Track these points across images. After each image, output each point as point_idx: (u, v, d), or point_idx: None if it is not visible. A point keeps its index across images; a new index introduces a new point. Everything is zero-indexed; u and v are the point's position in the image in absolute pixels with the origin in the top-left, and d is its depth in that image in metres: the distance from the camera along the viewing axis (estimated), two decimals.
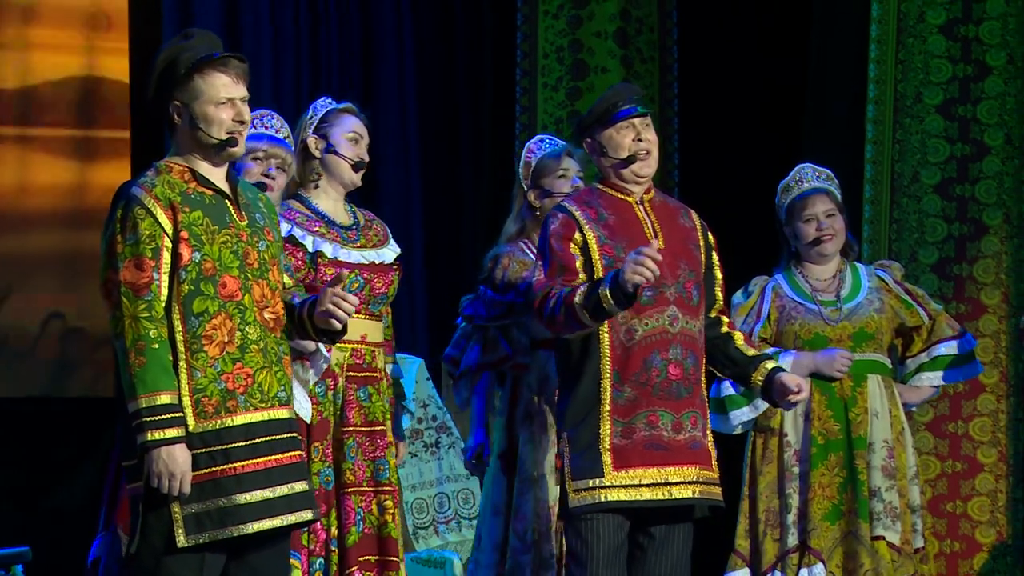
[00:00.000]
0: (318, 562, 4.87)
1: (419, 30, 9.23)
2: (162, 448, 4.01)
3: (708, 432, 4.79)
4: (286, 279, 4.31)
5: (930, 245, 8.19)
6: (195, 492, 4.04)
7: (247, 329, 4.12)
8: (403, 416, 5.23)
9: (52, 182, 8.99)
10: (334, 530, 4.88)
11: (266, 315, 4.16)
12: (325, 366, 4.70)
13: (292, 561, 4.75)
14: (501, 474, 5.32)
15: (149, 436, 4.02)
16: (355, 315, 4.45)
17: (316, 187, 5.05)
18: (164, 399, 4.03)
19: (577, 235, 4.71)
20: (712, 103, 9.12)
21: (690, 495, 4.70)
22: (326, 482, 4.87)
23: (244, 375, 4.11)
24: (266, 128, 4.98)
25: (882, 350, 5.62)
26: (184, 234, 4.09)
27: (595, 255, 4.72)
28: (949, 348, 5.66)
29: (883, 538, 5.46)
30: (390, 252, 5.06)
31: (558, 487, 4.93)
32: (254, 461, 4.09)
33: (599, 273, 4.68)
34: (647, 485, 4.66)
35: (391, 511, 4.93)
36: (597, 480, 4.65)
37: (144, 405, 4.03)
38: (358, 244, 5.01)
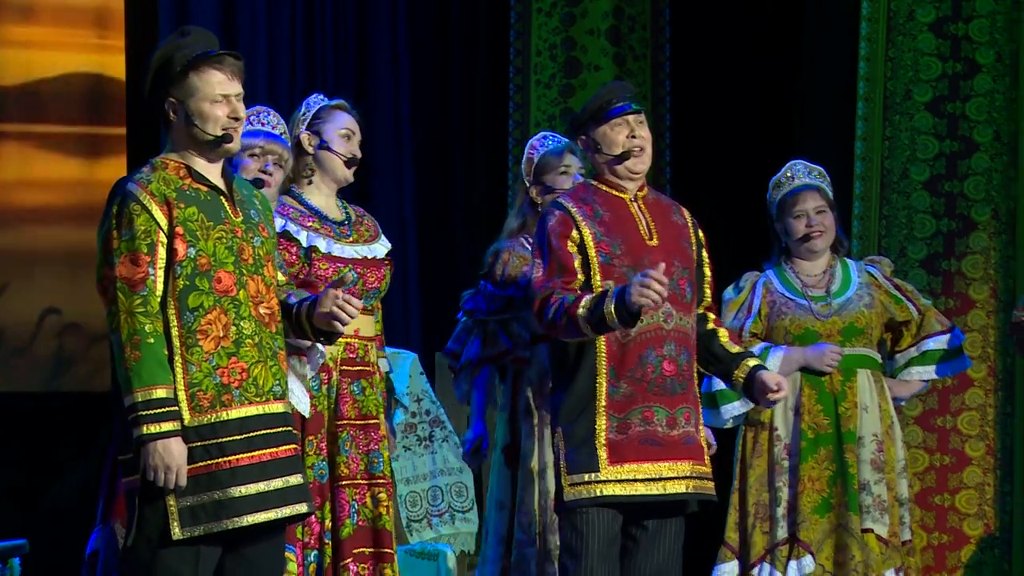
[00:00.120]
0: (312, 555, 4.87)
1: (413, 28, 9.23)
2: (158, 442, 4.01)
3: (700, 427, 4.79)
4: (280, 276, 4.30)
5: (919, 241, 8.19)
6: (190, 485, 4.04)
7: (242, 324, 4.12)
8: (396, 410, 5.22)
9: (49, 178, 8.99)
10: (328, 523, 4.88)
11: (261, 310, 4.15)
12: (321, 361, 4.70)
13: (287, 554, 4.73)
14: (505, 468, 5.33)
15: (145, 430, 4.02)
16: None
17: (309, 183, 5.05)
18: (160, 393, 4.03)
19: (574, 233, 4.71)
20: (704, 100, 9.11)
21: (683, 490, 4.71)
22: (320, 475, 4.87)
23: (239, 369, 4.11)
24: (262, 124, 4.97)
25: (872, 345, 5.61)
26: (179, 230, 4.09)
27: (591, 252, 4.71)
28: (938, 343, 5.66)
29: (872, 531, 5.46)
30: (382, 247, 5.07)
31: None
32: (249, 455, 4.09)
33: (595, 270, 4.68)
34: (641, 480, 4.67)
35: (385, 503, 4.93)
36: (592, 474, 4.66)
37: (140, 399, 4.02)
38: (351, 239, 5.01)
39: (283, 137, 5.02)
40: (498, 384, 5.47)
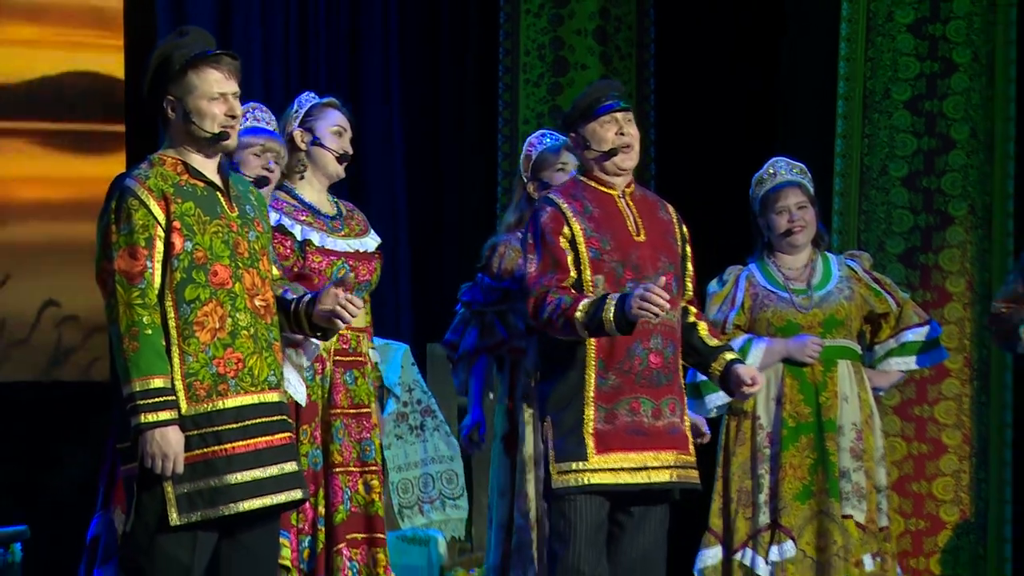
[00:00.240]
0: (307, 540, 4.87)
1: (404, 28, 9.23)
2: (155, 430, 4.01)
3: (686, 417, 4.79)
4: (274, 270, 4.29)
5: (897, 235, 8.19)
6: (187, 472, 4.04)
7: (238, 316, 4.12)
8: (388, 400, 5.22)
9: (49, 174, 8.99)
10: (322, 509, 4.88)
11: (256, 302, 4.15)
12: (317, 352, 4.71)
13: (282, 540, 4.73)
14: (504, 456, 5.34)
15: (143, 418, 4.02)
16: None
17: (301, 178, 5.05)
18: (157, 383, 4.03)
19: (566, 229, 4.71)
20: (688, 99, 9.12)
21: (667, 479, 4.71)
22: (314, 463, 4.87)
23: (235, 360, 4.11)
24: (257, 120, 4.97)
25: (851, 336, 5.62)
26: (176, 224, 4.08)
27: (582, 248, 4.71)
28: (916, 335, 5.67)
29: (851, 517, 5.46)
30: (372, 241, 5.07)
31: None
32: (245, 443, 4.08)
33: (586, 265, 4.68)
34: (627, 469, 4.67)
35: (377, 490, 4.93)
36: (580, 463, 4.66)
37: (138, 388, 4.02)
38: (342, 233, 5.02)
39: (279, 134, 5.03)
40: (496, 374, 5.48)
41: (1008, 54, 8.18)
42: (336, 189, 5.20)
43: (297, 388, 4.64)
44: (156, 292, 4.07)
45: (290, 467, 4.14)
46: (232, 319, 4.11)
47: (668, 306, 4.50)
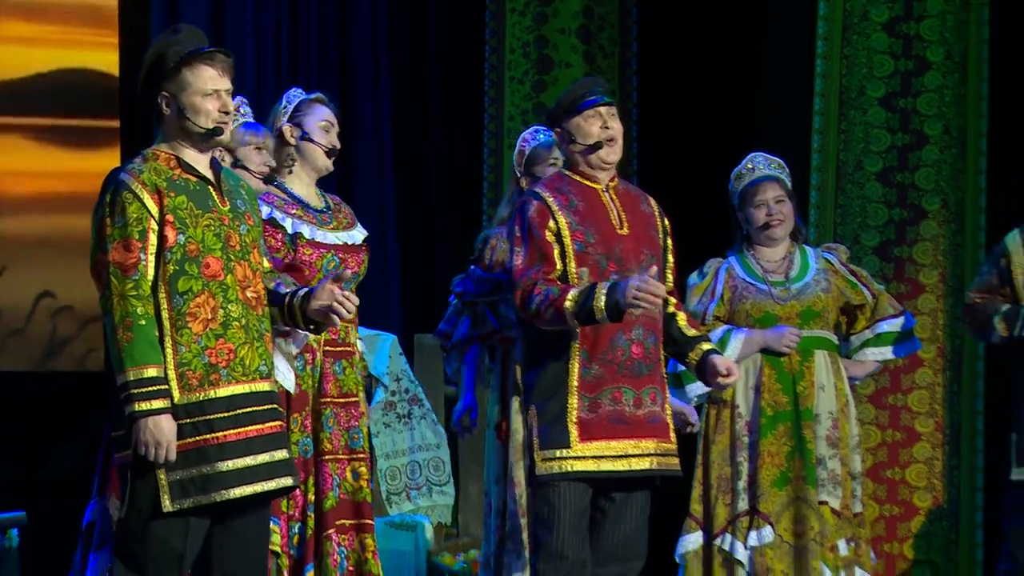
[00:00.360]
0: (296, 527, 4.86)
1: (393, 26, 9.23)
2: (149, 418, 4.00)
3: (667, 406, 4.79)
4: (265, 262, 4.28)
5: (872, 229, 8.19)
6: (180, 460, 4.03)
7: (229, 307, 4.11)
8: (377, 389, 5.21)
9: (45, 169, 8.99)
10: (311, 496, 4.88)
11: (248, 294, 4.14)
12: (306, 340, 4.70)
13: (272, 527, 4.73)
14: (497, 444, 5.34)
15: (136, 407, 4.01)
16: None
17: (290, 173, 5.05)
18: (151, 372, 4.02)
19: (551, 222, 4.70)
20: (670, 96, 9.11)
21: (648, 466, 4.70)
22: (304, 451, 4.87)
23: (227, 350, 4.10)
24: (242, 115, 4.95)
25: (828, 327, 5.61)
26: (169, 217, 4.07)
27: (567, 240, 4.71)
28: (891, 325, 5.67)
29: (827, 503, 5.46)
30: (359, 233, 5.07)
31: None
32: (236, 431, 4.08)
33: (571, 257, 4.68)
34: (609, 457, 4.67)
35: (365, 477, 4.93)
36: (564, 450, 4.66)
37: (132, 378, 4.01)
38: (331, 226, 5.01)
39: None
40: (488, 363, 5.48)
41: (980, 52, 8.19)
42: (326, 182, 5.19)
43: (286, 375, 4.64)
44: (150, 284, 4.06)
45: (280, 455, 4.14)
46: (224, 310, 4.10)
47: (664, 296, 4.51)
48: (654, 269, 4.53)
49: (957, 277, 8.16)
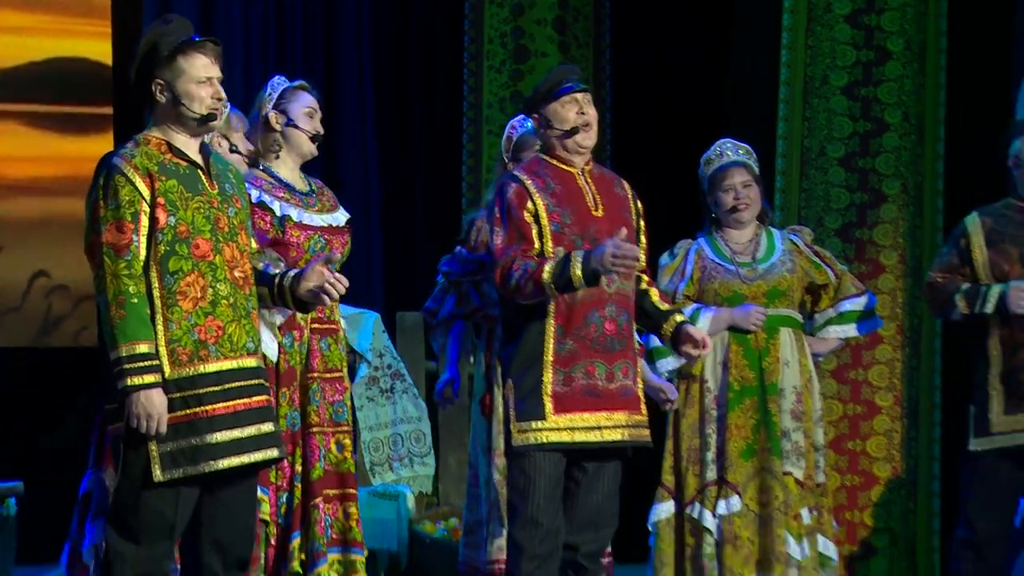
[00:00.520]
0: (284, 496, 4.86)
1: (376, 18, 9.21)
2: (140, 392, 3.99)
3: (638, 380, 4.79)
4: (252, 243, 4.27)
5: (835, 212, 8.20)
6: (170, 432, 4.02)
7: (218, 286, 4.10)
8: (361, 365, 5.21)
9: (40, 153, 8.97)
10: (299, 467, 4.87)
11: (236, 274, 4.13)
12: (289, 312, 4.69)
13: (261, 496, 4.74)
14: (482, 417, 5.34)
15: (129, 381, 3.99)
16: None
17: (277, 158, 5.03)
18: (142, 348, 4.01)
19: (529, 204, 4.70)
20: (642, 84, 9.11)
21: (619, 438, 4.70)
22: (292, 424, 4.86)
23: (215, 327, 4.08)
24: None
25: (793, 306, 5.61)
26: (161, 200, 4.06)
27: (544, 221, 4.70)
28: (853, 304, 5.67)
29: (791, 473, 5.47)
30: (342, 216, 5.07)
31: None
32: (224, 404, 4.07)
33: (548, 238, 4.67)
34: (582, 428, 4.66)
35: (348, 449, 4.93)
36: (539, 422, 4.65)
37: (124, 353, 4.00)
38: (316, 208, 5.01)
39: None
40: (475, 340, 5.48)
41: (939, 43, 8.20)
42: (312, 165, 5.18)
43: (268, 344, 4.65)
44: (141, 263, 4.05)
45: (267, 427, 4.13)
46: (213, 289, 4.09)
47: (639, 256, 4.50)
48: (624, 232, 4.53)
49: (916, 258, 8.17)
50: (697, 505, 5.45)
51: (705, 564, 5.42)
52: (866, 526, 8.11)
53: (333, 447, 4.91)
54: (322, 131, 5.07)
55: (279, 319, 4.70)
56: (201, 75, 4.11)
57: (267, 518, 4.80)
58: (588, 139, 4.75)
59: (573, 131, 4.73)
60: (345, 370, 5.01)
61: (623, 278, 4.67)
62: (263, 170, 5.01)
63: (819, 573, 5.48)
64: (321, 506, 4.85)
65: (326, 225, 4.99)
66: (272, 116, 5.01)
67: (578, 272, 4.52)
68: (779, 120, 8.23)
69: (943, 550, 7.92)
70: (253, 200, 4.81)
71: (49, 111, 8.98)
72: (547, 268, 4.57)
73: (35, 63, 8.94)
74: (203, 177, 4.13)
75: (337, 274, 4.20)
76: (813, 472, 5.52)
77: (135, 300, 4.01)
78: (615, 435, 4.70)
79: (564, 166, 4.78)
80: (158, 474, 4.01)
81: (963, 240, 5.38)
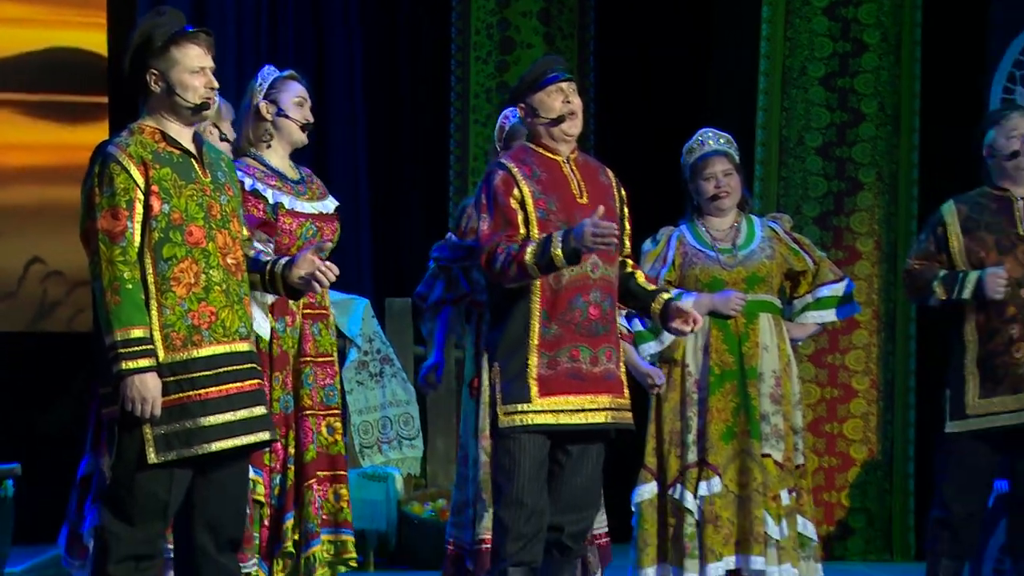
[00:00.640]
0: (278, 478, 4.85)
1: (365, 11, 9.20)
2: (135, 376, 3.97)
3: (621, 364, 4.78)
4: (244, 231, 4.26)
5: (813, 200, 8.20)
6: (164, 415, 4.00)
7: (211, 272, 4.08)
8: (350, 349, 5.19)
9: (36, 142, 8.95)
10: (292, 449, 4.87)
11: (228, 260, 4.11)
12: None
13: (256, 478, 4.73)
14: (471, 400, 5.33)
15: (123, 365, 3.98)
16: None
17: (268, 147, 5.01)
18: (137, 333, 3.99)
19: (516, 191, 4.68)
20: (625, 75, 9.09)
21: (603, 420, 4.69)
22: (285, 407, 4.85)
23: (208, 313, 4.07)
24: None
25: (772, 292, 5.60)
26: (155, 188, 4.04)
27: (530, 208, 4.68)
28: (831, 290, 5.66)
29: (770, 455, 5.47)
30: (331, 203, 5.05)
31: None
32: (217, 388, 4.05)
33: (533, 224, 4.66)
34: (567, 411, 4.65)
35: (339, 431, 4.92)
36: (524, 405, 4.64)
37: (119, 338, 3.98)
38: (306, 196, 5.00)
39: None
40: (465, 325, 5.47)
41: (914, 35, 8.20)
42: (303, 154, 5.16)
43: (260, 323, 4.64)
44: (136, 250, 4.02)
45: (259, 411, 4.11)
46: (206, 275, 4.07)
47: (617, 232, 4.48)
48: (601, 210, 4.52)
49: (891, 244, 8.18)
50: (679, 486, 5.45)
51: (686, 544, 5.41)
52: (843, 507, 8.12)
53: (324, 430, 4.90)
54: (312, 120, 5.05)
55: (270, 299, 4.69)
56: (194, 65, 4.09)
57: (261, 499, 4.79)
58: (574, 127, 4.74)
59: (559, 119, 4.71)
60: (335, 355, 5.00)
61: (604, 257, 4.66)
62: (254, 158, 4.99)
63: (799, 553, 5.48)
64: (315, 487, 4.84)
65: (316, 212, 4.98)
66: (263, 106, 4.99)
67: (558, 252, 4.51)
68: (759, 110, 8.23)
69: (918, 529, 7.94)
70: (246, 188, 4.81)
71: (45, 100, 8.95)
72: (529, 250, 4.56)
73: (32, 53, 8.91)
74: (196, 165, 4.12)
75: (328, 262, 4.19)
76: (792, 454, 5.52)
77: (130, 286, 3.99)
78: (599, 418, 4.69)
79: (550, 154, 4.76)
80: (152, 456, 3.99)
81: (940, 228, 5.37)
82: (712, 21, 8.89)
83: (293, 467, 4.85)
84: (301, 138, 5.03)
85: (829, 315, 5.68)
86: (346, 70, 9.08)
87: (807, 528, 5.53)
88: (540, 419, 4.64)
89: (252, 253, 4.24)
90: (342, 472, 4.92)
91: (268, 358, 4.79)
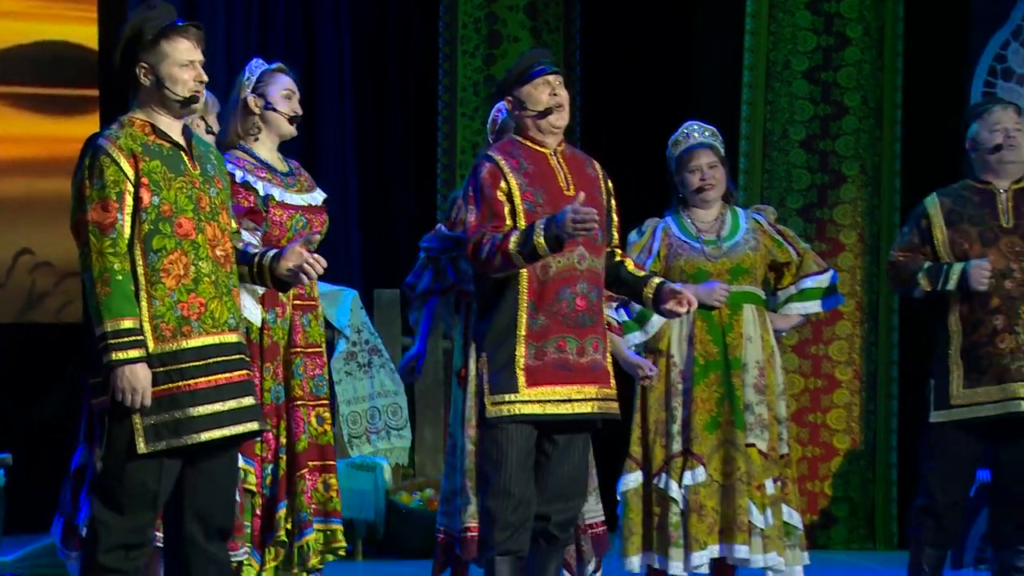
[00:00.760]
0: (270, 468, 4.84)
1: (355, 6, 9.19)
2: (125, 366, 3.96)
3: (608, 354, 4.77)
4: (232, 223, 4.25)
5: (796, 192, 8.20)
6: (154, 406, 3.99)
7: (200, 264, 4.06)
8: (339, 340, 5.18)
9: (26, 134, 8.94)
10: (283, 439, 4.85)
11: (217, 252, 4.10)
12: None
13: (247, 467, 4.73)
14: (458, 389, 5.32)
15: (114, 356, 3.96)
16: None
17: (256, 140, 4.99)
18: (127, 324, 3.97)
19: (503, 183, 4.66)
20: (611, 69, 9.09)
21: (589, 411, 4.68)
22: (276, 397, 4.84)
23: (198, 304, 4.05)
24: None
25: (756, 283, 5.60)
26: (144, 180, 4.02)
27: (517, 200, 4.67)
28: (814, 282, 5.66)
29: (754, 445, 5.47)
30: (319, 196, 5.04)
31: None
32: (206, 379, 4.03)
33: (520, 216, 4.64)
34: (553, 401, 4.64)
35: (328, 422, 4.92)
36: (512, 395, 4.63)
37: (109, 329, 3.97)
38: (295, 188, 4.98)
39: None
40: (455, 315, 5.46)
41: (896, 29, 8.20)
42: (292, 146, 5.14)
43: (251, 310, 4.63)
44: (126, 242, 4.01)
45: (247, 401, 4.10)
46: (195, 267, 4.06)
47: (597, 218, 4.46)
48: (582, 196, 4.51)
49: (874, 236, 8.18)
50: (664, 476, 5.44)
51: (671, 532, 5.41)
52: (826, 496, 8.13)
53: (313, 420, 4.90)
54: (300, 112, 5.03)
55: (261, 289, 4.68)
56: (184, 59, 4.08)
57: (253, 488, 4.78)
58: (561, 119, 4.73)
59: (546, 112, 4.70)
60: (324, 345, 4.99)
61: (591, 248, 4.64)
62: (243, 151, 4.97)
63: (784, 541, 5.48)
64: (308, 476, 4.84)
65: (306, 204, 4.97)
66: (251, 100, 4.97)
67: (540, 240, 4.50)
68: (743, 103, 8.23)
69: (900, 518, 7.95)
70: (237, 180, 4.80)
71: (36, 93, 8.94)
72: (512, 239, 4.55)
73: (23, 46, 8.89)
74: (185, 158, 4.10)
75: (315, 255, 4.17)
76: (777, 444, 5.52)
77: (120, 277, 3.98)
78: (585, 408, 4.68)
79: (537, 147, 4.75)
80: (142, 446, 3.98)
81: (924, 220, 5.37)
82: (697, 15, 8.88)
83: (285, 457, 4.85)
84: (289, 130, 5.02)
85: (812, 306, 5.68)
86: (335, 64, 9.06)
87: (792, 517, 5.53)
88: (527, 409, 4.63)
89: (240, 245, 4.23)
90: (331, 462, 4.92)
91: (259, 349, 4.78)
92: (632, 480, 5.49)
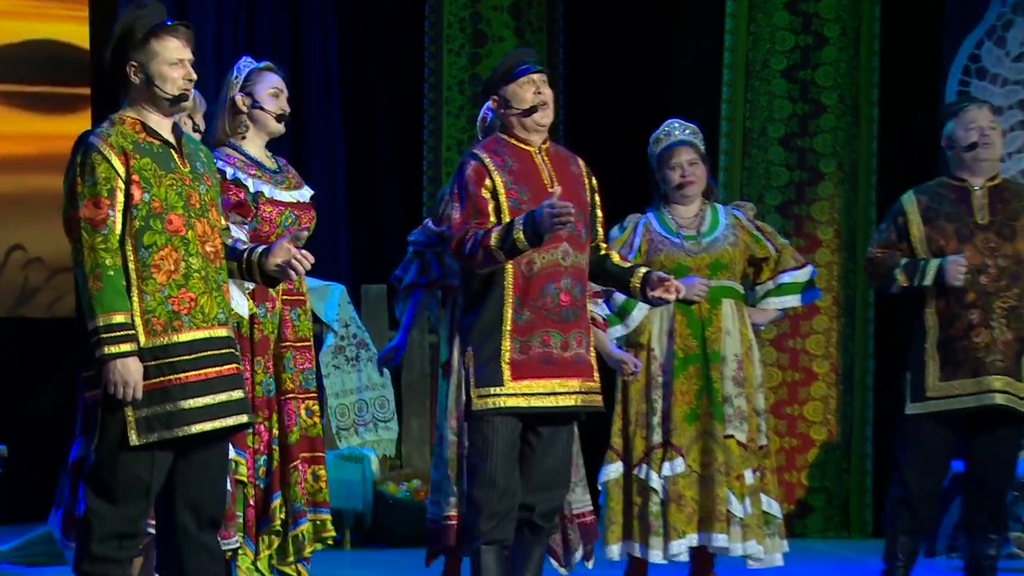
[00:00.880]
0: (262, 460, 4.85)
1: (341, 5, 9.18)
2: (117, 360, 3.95)
3: (591, 348, 4.77)
4: (222, 220, 4.24)
5: (775, 189, 8.21)
6: (146, 399, 3.99)
7: (190, 260, 4.06)
8: (327, 334, 5.18)
9: (18, 131, 8.91)
10: (275, 431, 4.86)
11: (207, 248, 4.10)
12: None
13: (238, 459, 4.74)
14: (443, 380, 5.33)
15: (106, 350, 3.96)
16: None
17: (244, 138, 4.98)
18: (119, 318, 3.97)
19: (488, 181, 4.66)
20: (593, 68, 9.09)
21: (573, 403, 4.68)
22: (267, 391, 4.85)
23: (188, 299, 4.05)
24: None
25: (735, 278, 5.61)
26: (135, 177, 4.02)
27: (502, 198, 4.67)
28: (792, 277, 5.67)
29: (733, 437, 5.48)
30: (307, 192, 5.04)
31: None
32: (197, 372, 4.03)
33: (505, 213, 4.65)
34: (538, 394, 4.65)
35: (316, 414, 4.92)
36: (497, 388, 4.63)
37: (101, 323, 3.96)
38: (284, 185, 4.98)
39: None
40: (441, 308, 5.47)
41: (872, 29, 8.21)
42: (280, 144, 5.14)
43: (239, 302, 4.64)
44: (117, 238, 4.01)
45: (237, 394, 4.10)
46: (185, 263, 4.05)
47: (574, 211, 4.47)
48: (558, 190, 4.52)
49: (851, 233, 8.20)
50: (644, 466, 5.46)
51: (651, 522, 5.42)
52: (803, 486, 8.15)
53: (303, 413, 4.90)
54: (288, 110, 5.03)
55: (250, 284, 4.68)
56: (173, 57, 4.07)
57: (244, 479, 4.79)
58: (545, 117, 4.73)
59: (531, 110, 4.70)
60: (312, 339, 4.99)
61: (575, 245, 4.65)
62: (233, 148, 4.97)
63: (764, 530, 5.49)
64: (300, 468, 4.85)
65: (295, 201, 4.97)
66: (239, 99, 4.96)
67: (520, 235, 4.51)
68: (723, 102, 8.24)
69: (875, 507, 7.98)
70: (228, 177, 4.80)
71: (28, 91, 8.91)
72: (493, 235, 4.56)
73: (14, 45, 8.86)
74: (175, 156, 4.10)
75: (303, 250, 4.18)
76: (756, 435, 5.53)
77: (111, 273, 3.97)
78: (569, 401, 4.68)
79: (522, 145, 4.75)
80: (134, 438, 3.98)
81: (900, 217, 5.38)
82: (677, 15, 8.90)
83: (278, 449, 4.85)
84: (277, 128, 5.01)
85: (790, 301, 5.69)
86: (322, 64, 9.06)
87: (771, 506, 5.54)
88: (512, 402, 4.64)
89: (230, 241, 4.24)
90: (320, 453, 4.93)
91: (249, 343, 4.79)
92: (613, 471, 5.50)
